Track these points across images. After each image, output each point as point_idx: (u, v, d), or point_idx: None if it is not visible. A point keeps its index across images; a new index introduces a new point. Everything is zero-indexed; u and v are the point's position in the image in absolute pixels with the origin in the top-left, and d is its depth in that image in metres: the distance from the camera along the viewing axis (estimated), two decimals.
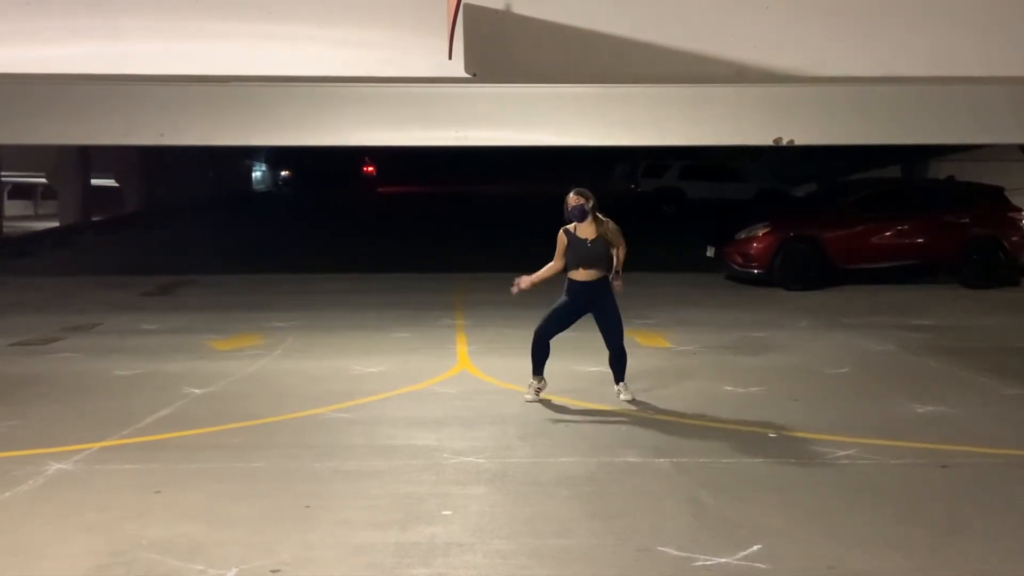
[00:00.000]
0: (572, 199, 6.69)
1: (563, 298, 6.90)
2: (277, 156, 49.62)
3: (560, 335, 9.95)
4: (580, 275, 6.77)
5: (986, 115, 11.03)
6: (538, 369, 7.01)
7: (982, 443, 6.03)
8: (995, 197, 14.43)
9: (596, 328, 10.45)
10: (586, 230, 6.72)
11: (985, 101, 10.84)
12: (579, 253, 6.72)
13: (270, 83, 10.31)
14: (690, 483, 5.24)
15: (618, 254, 6.80)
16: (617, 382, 7.09)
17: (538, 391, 7.02)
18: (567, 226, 6.80)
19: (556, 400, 7.12)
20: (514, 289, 6.93)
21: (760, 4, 7.12)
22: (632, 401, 6.99)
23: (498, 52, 7.09)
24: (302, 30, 7.27)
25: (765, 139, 11.35)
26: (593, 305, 6.86)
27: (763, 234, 13.73)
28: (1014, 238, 13.88)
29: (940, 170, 20.12)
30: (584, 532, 4.54)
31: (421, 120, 11.44)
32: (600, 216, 6.78)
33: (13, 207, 30.46)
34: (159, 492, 5.10)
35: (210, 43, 7.26)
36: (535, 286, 6.93)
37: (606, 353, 8.86)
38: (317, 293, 13.23)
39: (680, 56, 7.08)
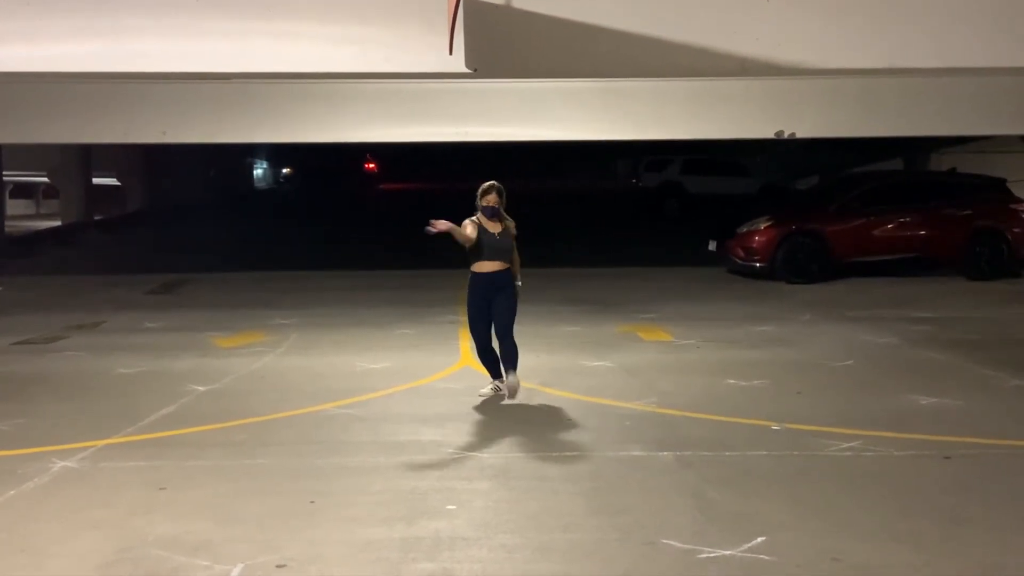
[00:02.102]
0: (492, 199, 6.77)
1: (470, 301, 6.92)
2: (278, 153, 49.57)
3: (564, 330, 9.94)
4: (485, 267, 6.82)
5: (990, 106, 11.00)
6: (495, 374, 7.02)
7: (986, 435, 6.03)
8: (997, 189, 14.41)
9: (601, 324, 10.48)
10: (493, 225, 6.85)
11: (989, 92, 10.81)
12: (490, 243, 6.81)
13: (271, 80, 10.31)
14: (694, 477, 5.25)
15: (515, 258, 6.92)
16: (506, 371, 6.89)
17: (496, 388, 7.05)
18: (474, 217, 6.83)
19: (560, 395, 7.13)
20: (432, 230, 6.62)
21: None
22: (496, 392, 6.97)
23: (499, 47, 7.09)
24: (303, 27, 7.28)
25: (768, 133, 11.34)
26: (496, 293, 6.87)
27: (765, 228, 13.73)
28: (1016, 230, 13.86)
29: (941, 163, 20.08)
30: (589, 526, 4.54)
31: (422, 116, 11.43)
32: (504, 214, 6.90)
33: (15, 206, 30.50)
34: (164, 489, 5.11)
35: (212, 41, 7.26)
36: (446, 233, 6.63)
37: (611, 348, 8.91)
38: (320, 290, 13.25)
39: (682, 49, 7.07)
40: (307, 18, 7.26)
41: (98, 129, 11.67)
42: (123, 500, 4.94)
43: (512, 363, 6.86)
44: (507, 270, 6.87)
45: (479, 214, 6.83)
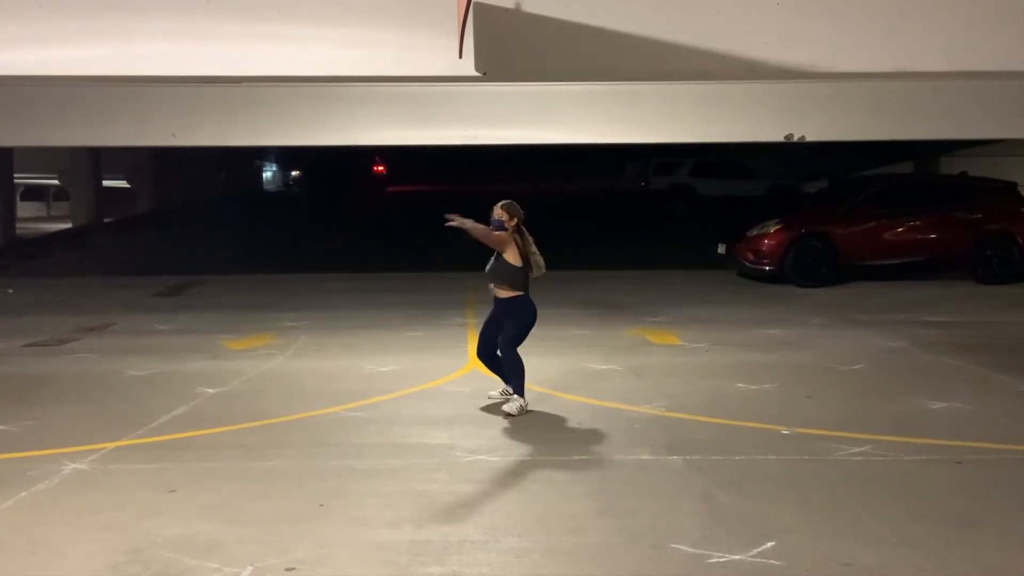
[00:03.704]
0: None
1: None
2: (287, 156, 49.70)
3: (573, 333, 9.95)
4: (498, 293, 6.69)
5: (1000, 110, 10.95)
6: (521, 388, 6.72)
7: (997, 439, 6.01)
8: (1008, 192, 14.36)
9: (611, 327, 10.50)
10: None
11: (999, 96, 10.77)
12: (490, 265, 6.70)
13: (281, 83, 10.34)
14: (703, 480, 5.24)
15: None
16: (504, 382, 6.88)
17: (505, 392, 6.84)
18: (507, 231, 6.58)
19: (569, 398, 7.13)
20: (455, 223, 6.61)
21: (771, 0, 7.10)
22: (504, 412, 6.59)
23: (508, 50, 7.09)
24: (313, 30, 7.30)
25: (777, 136, 11.30)
26: (503, 319, 6.72)
27: (775, 231, 13.69)
28: None
29: (952, 166, 20.01)
30: (597, 530, 4.54)
31: (431, 119, 11.44)
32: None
33: (26, 209, 30.61)
34: (174, 491, 5.13)
35: (222, 44, 7.29)
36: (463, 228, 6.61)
37: (620, 352, 8.92)
38: (329, 292, 13.27)
39: (691, 53, 7.07)
40: (316, 22, 7.28)
41: (108, 132, 11.71)
42: (133, 502, 4.96)
43: (504, 377, 6.81)
44: (507, 298, 6.62)
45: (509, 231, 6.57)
